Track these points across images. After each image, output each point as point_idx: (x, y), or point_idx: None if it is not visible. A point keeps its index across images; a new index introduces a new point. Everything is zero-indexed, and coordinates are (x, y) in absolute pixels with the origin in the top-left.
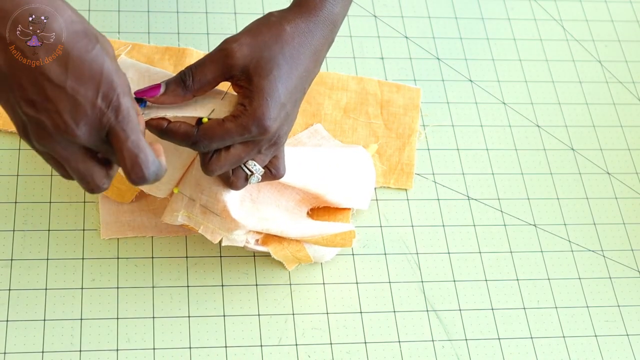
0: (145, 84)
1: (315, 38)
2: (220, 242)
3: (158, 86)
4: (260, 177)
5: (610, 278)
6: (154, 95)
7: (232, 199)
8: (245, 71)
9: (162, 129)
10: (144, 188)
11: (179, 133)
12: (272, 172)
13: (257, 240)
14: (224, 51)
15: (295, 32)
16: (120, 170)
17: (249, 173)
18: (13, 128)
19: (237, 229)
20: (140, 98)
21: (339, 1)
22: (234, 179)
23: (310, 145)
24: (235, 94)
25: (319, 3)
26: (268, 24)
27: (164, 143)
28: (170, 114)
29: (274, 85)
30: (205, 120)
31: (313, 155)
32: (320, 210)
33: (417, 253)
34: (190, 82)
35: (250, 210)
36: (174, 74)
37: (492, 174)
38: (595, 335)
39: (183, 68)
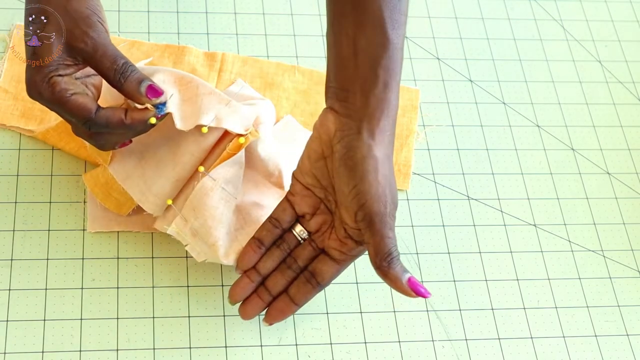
0: (174, 80)
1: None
2: None
3: None
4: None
5: (610, 278)
6: None
7: (224, 237)
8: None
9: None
10: (138, 201)
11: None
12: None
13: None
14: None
15: (386, 168)
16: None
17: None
18: (9, 123)
19: (221, 262)
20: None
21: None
22: None
23: (285, 136)
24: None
25: (391, 115)
26: (367, 167)
27: (159, 154)
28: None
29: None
30: (204, 130)
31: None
32: None
33: (417, 253)
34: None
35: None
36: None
37: (492, 174)
38: (595, 335)
39: (182, 65)
